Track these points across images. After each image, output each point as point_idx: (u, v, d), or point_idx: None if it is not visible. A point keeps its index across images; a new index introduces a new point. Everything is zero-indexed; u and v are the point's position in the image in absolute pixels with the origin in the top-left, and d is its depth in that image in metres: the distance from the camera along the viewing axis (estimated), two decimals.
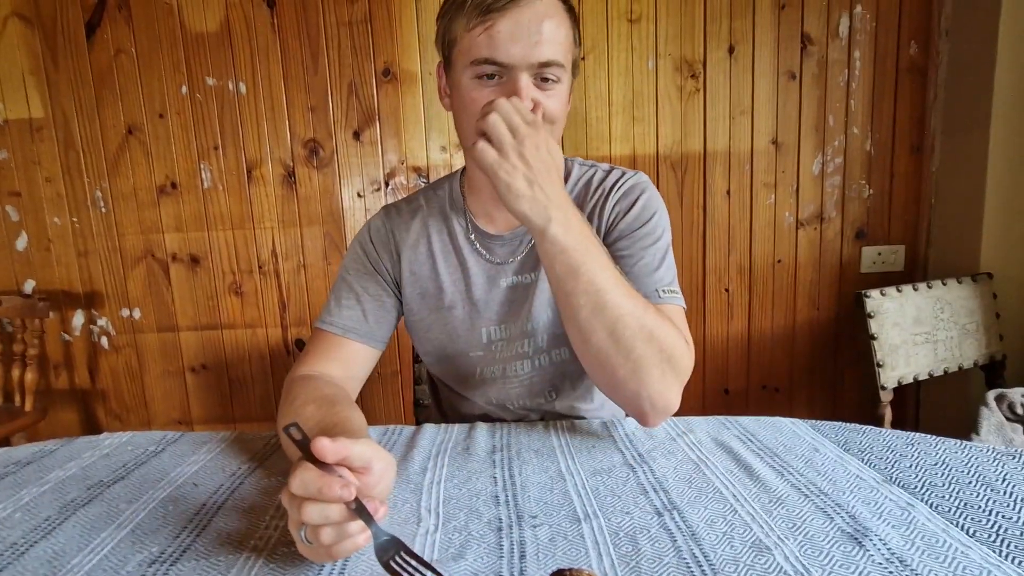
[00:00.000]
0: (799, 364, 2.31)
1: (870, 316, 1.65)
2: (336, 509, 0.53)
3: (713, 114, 2.16)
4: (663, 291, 0.93)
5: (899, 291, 1.70)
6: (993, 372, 1.92)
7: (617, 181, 1.01)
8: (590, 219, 0.99)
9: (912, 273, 2.24)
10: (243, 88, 2.11)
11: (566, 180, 1.02)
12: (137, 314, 2.25)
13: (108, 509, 0.76)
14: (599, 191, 1.01)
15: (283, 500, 0.57)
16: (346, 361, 0.98)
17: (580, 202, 1.01)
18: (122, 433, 1.03)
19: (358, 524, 0.54)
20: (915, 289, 1.74)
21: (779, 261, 2.26)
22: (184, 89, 2.11)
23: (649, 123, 2.16)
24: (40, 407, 2.10)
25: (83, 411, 2.31)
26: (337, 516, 0.53)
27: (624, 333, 0.78)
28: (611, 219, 0.98)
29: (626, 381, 0.80)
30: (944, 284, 1.79)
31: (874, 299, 1.66)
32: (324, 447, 0.53)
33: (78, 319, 2.25)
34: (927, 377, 1.76)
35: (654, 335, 0.79)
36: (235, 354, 2.30)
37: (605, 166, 1.05)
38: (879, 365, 1.67)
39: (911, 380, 1.73)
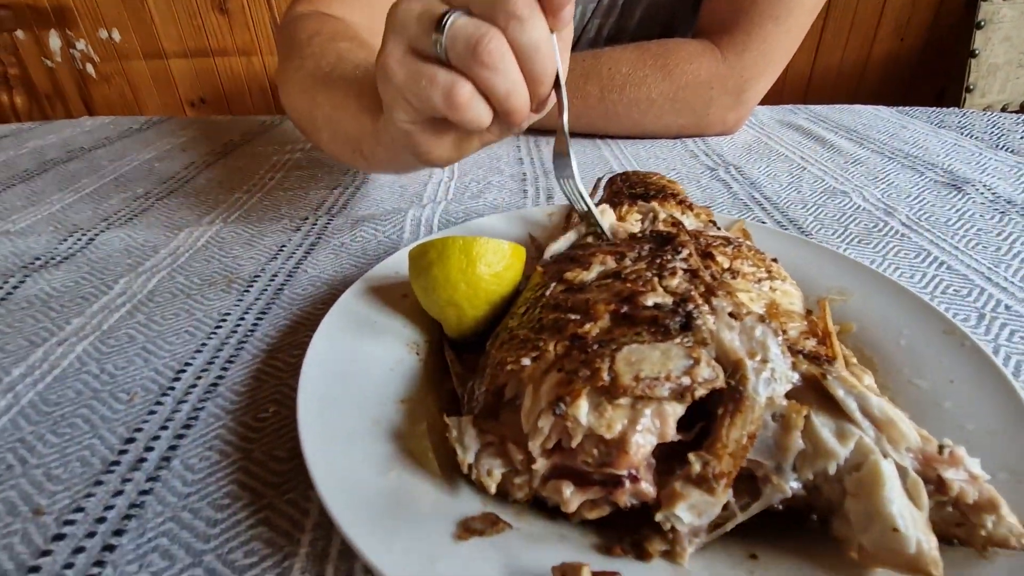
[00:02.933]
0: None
1: (979, 26, 1.35)
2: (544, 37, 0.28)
3: None
4: None
5: None
6: None
7: None
8: None
9: None
10: None
11: None
12: (117, 36, 2.00)
13: (88, 165, 0.68)
14: None
15: (401, 66, 0.29)
16: (373, 5, 0.61)
17: None
18: (104, 116, 0.92)
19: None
20: None
21: None
22: None
23: None
24: None
25: None
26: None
27: (646, 125, 0.70)
28: None
29: (681, 132, 0.72)
30: None
31: (992, 4, 1.33)
32: None
33: (54, 41, 2.02)
34: (1018, 109, 1.52)
35: (677, 97, 0.67)
36: (233, 86, 2.10)
37: None
38: (968, 90, 1.43)
39: (1000, 109, 1.50)
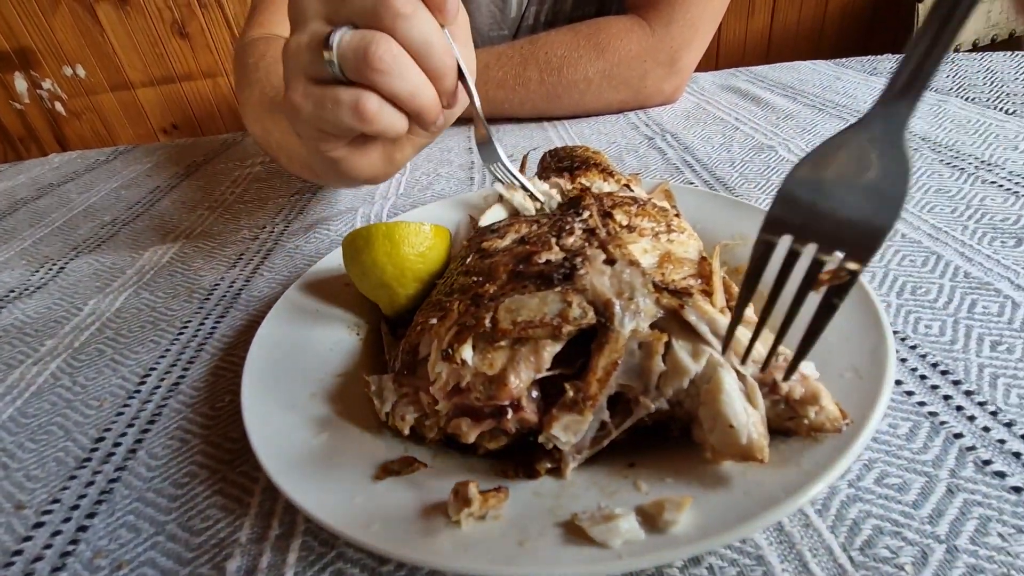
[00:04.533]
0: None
1: None
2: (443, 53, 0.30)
3: None
4: None
5: None
6: None
7: None
8: None
9: None
10: None
11: None
12: (81, 71, 2.02)
13: (58, 199, 0.71)
14: None
15: (301, 94, 0.30)
16: None
17: None
18: (72, 152, 0.95)
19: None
20: None
21: None
22: None
23: None
24: None
25: None
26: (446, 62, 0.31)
27: (588, 104, 0.72)
28: None
29: (623, 107, 0.74)
30: None
31: None
32: None
33: (20, 84, 2.04)
34: (971, 48, 1.54)
35: (613, 73, 0.69)
36: (203, 110, 2.12)
37: None
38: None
39: (951, 52, 1.52)
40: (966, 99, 0.61)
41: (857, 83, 0.72)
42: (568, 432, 0.21)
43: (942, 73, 0.70)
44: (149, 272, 0.49)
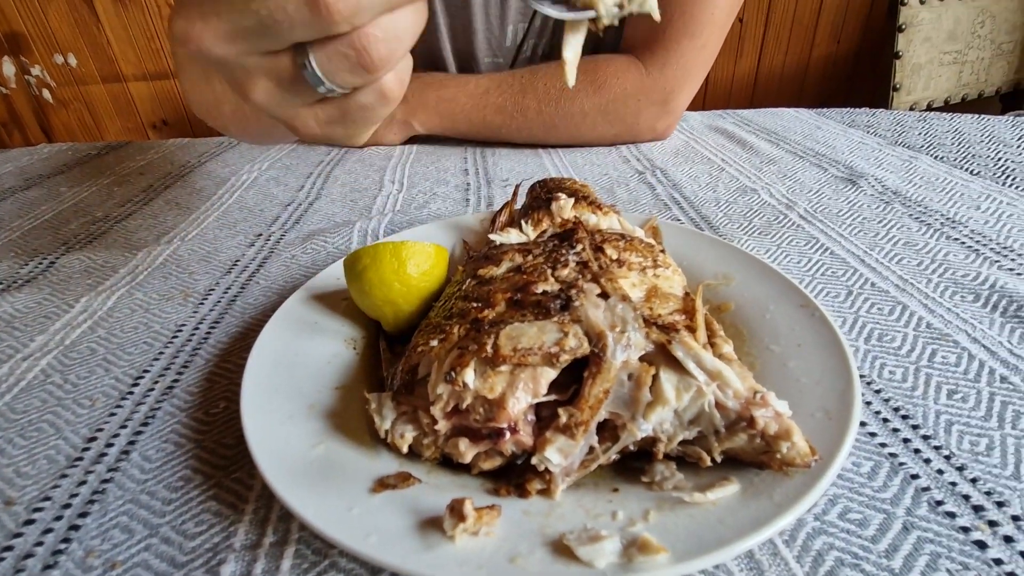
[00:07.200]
0: (806, 107, 2.15)
1: (900, 29, 1.45)
2: None
3: None
4: None
5: (941, 0, 1.47)
6: (1012, 102, 1.78)
7: None
8: None
9: None
10: None
11: None
12: (73, 60, 2.00)
13: (47, 191, 0.70)
14: None
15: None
16: None
17: None
18: (62, 143, 0.94)
19: None
20: None
21: None
22: None
23: None
24: None
25: None
26: None
27: (583, 135, 0.75)
28: None
29: (616, 141, 0.78)
30: None
31: (911, 8, 1.44)
32: None
33: (8, 68, 2.00)
34: (943, 104, 1.63)
35: (608, 109, 0.72)
36: None
37: None
38: (895, 88, 1.53)
39: (925, 107, 1.60)
40: (935, 157, 0.65)
41: (836, 133, 0.76)
42: (560, 455, 0.23)
43: (915, 131, 0.75)
44: (143, 272, 0.49)
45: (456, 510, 0.21)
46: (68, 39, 1.96)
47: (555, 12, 0.29)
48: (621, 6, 0.29)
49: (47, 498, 0.28)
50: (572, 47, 0.31)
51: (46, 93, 2.05)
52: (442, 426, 0.24)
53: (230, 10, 0.24)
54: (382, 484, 0.24)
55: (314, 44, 0.25)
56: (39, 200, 0.68)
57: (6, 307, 0.45)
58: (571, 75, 0.31)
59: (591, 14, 0.29)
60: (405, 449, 0.25)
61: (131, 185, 0.72)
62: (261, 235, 0.56)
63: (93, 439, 0.31)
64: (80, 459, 0.30)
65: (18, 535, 0.26)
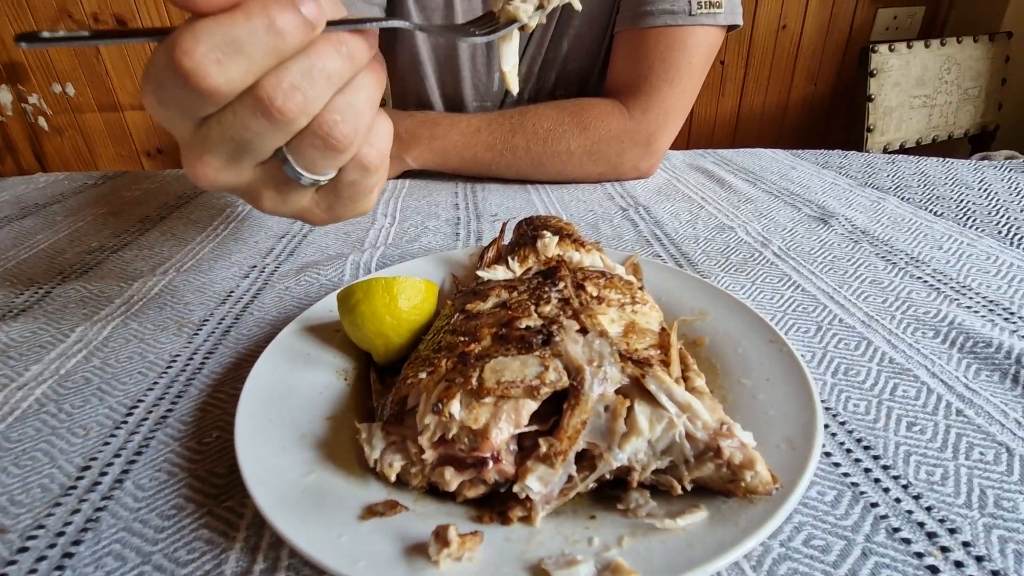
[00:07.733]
0: (785, 146, 2.23)
1: (872, 74, 1.53)
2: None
3: None
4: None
5: (909, 47, 1.55)
6: (980, 143, 1.87)
7: None
8: None
9: (927, 40, 2.04)
10: None
11: None
12: (71, 90, 2.03)
13: (43, 220, 0.72)
14: None
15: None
16: None
17: None
18: (59, 172, 0.95)
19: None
20: (927, 46, 1.59)
21: (784, 27, 2.03)
22: None
23: None
24: None
25: None
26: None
27: (570, 173, 0.78)
28: None
29: (601, 179, 0.81)
30: (959, 42, 1.63)
31: (881, 55, 1.52)
32: None
33: (5, 96, 2.03)
34: (914, 145, 1.70)
35: (593, 149, 0.75)
36: None
37: None
38: (869, 130, 1.60)
39: (898, 147, 1.68)
40: (902, 199, 0.69)
41: (810, 174, 0.80)
42: (541, 483, 0.24)
43: (884, 173, 0.79)
44: (138, 303, 0.51)
45: (441, 536, 0.22)
46: (67, 69, 2.00)
47: (484, 38, 0.32)
48: (542, 6, 0.32)
49: (41, 526, 0.28)
50: (508, 59, 0.34)
51: (42, 121, 2.07)
52: (429, 455, 0.25)
53: (214, 145, 0.27)
54: (371, 511, 0.25)
55: (288, 144, 0.28)
56: (35, 229, 0.69)
57: (1, 336, 0.46)
58: (513, 84, 0.35)
59: (516, 25, 0.32)
60: (393, 478, 0.26)
61: (127, 215, 0.74)
62: (255, 266, 0.57)
63: (87, 468, 0.32)
64: (74, 488, 0.31)
65: (12, 563, 0.27)
